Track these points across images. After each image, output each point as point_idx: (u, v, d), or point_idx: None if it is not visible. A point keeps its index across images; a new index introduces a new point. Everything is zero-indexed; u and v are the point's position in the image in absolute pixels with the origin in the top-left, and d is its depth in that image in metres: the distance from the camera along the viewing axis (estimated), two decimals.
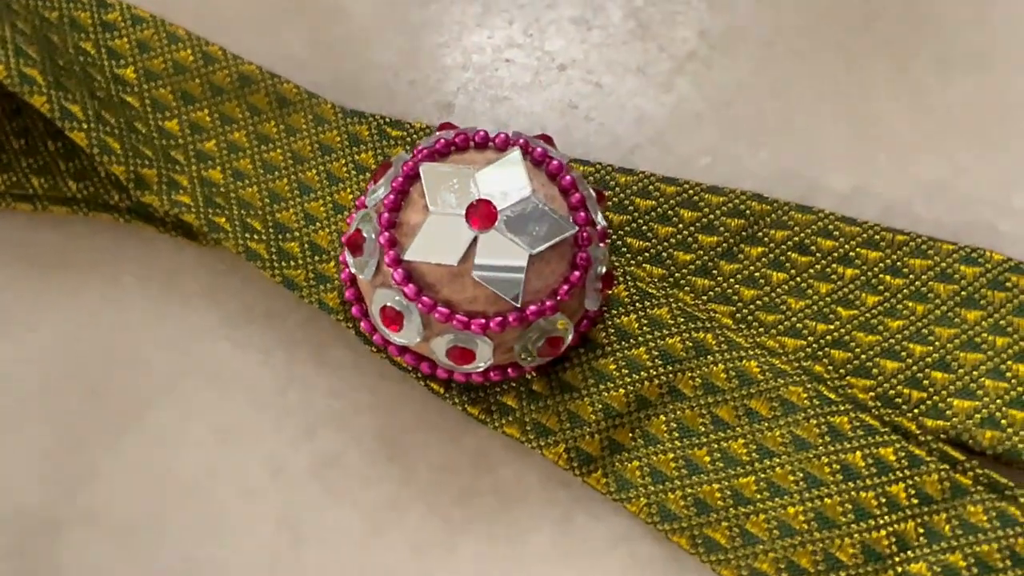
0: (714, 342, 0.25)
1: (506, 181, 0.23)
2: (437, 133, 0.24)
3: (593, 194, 0.24)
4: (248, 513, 0.25)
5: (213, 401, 0.26)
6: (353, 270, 0.24)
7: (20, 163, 0.28)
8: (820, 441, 0.24)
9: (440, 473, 0.25)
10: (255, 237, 0.26)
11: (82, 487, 0.25)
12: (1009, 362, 0.25)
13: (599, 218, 0.24)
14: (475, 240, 0.23)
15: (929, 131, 0.29)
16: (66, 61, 0.27)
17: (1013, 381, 0.25)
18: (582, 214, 0.23)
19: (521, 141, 0.24)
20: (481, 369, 0.24)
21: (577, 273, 0.23)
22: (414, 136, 0.28)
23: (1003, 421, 0.24)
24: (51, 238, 0.28)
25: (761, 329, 0.26)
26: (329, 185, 0.27)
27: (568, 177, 0.24)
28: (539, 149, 0.24)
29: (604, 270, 0.24)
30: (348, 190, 0.27)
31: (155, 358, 0.27)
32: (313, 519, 0.25)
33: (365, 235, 0.23)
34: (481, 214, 0.23)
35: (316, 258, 0.26)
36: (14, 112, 0.28)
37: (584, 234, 0.23)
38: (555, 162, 0.24)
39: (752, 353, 0.25)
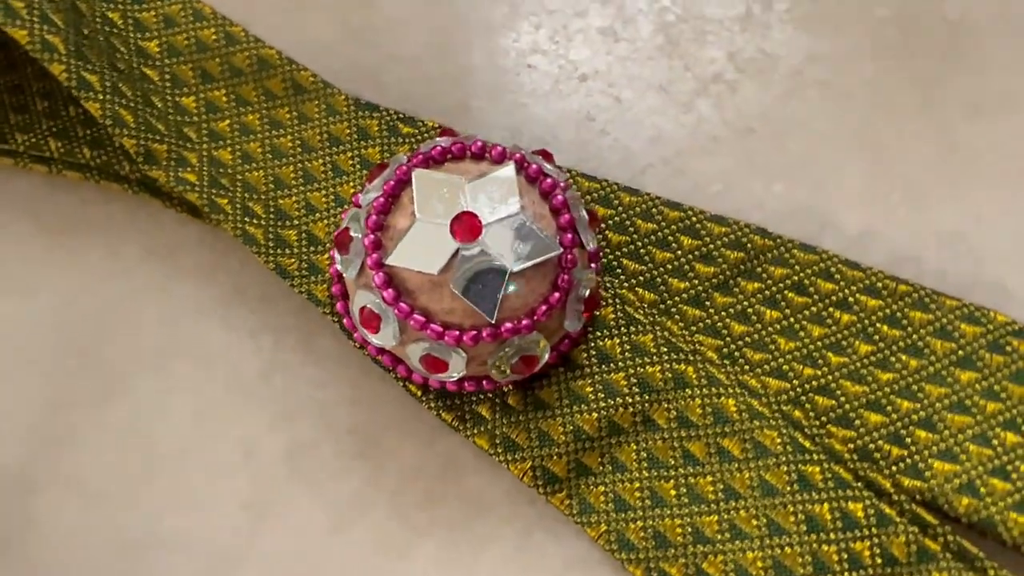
0: (694, 376, 0.24)
1: (496, 195, 0.23)
2: (436, 139, 0.24)
3: (585, 216, 0.24)
4: (217, 492, 0.25)
5: (198, 378, 0.27)
6: (339, 267, 0.24)
7: (41, 124, 0.28)
8: (788, 489, 0.23)
9: (409, 475, 0.25)
10: (254, 222, 0.27)
11: (62, 450, 0.26)
12: (997, 429, 0.24)
13: (589, 240, 0.24)
14: (457, 252, 0.23)
15: (950, 176, 0.28)
16: (91, 30, 0.27)
17: (999, 449, 0.24)
18: (569, 235, 0.23)
19: (517, 156, 0.24)
20: (454, 379, 0.24)
21: (557, 295, 0.23)
22: (425, 135, 0.28)
23: (982, 489, 0.24)
24: (63, 201, 0.29)
25: (746, 367, 0.25)
26: (333, 177, 0.27)
27: (560, 197, 0.23)
28: (534, 166, 0.24)
29: (588, 292, 0.24)
30: (351, 184, 0.27)
31: (147, 330, 0.27)
32: (279, 506, 0.25)
33: (353, 234, 0.23)
34: (465, 226, 0.23)
35: (311, 248, 0.26)
36: (40, 74, 0.29)
37: (569, 256, 0.23)
38: (548, 180, 0.23)
39: (731, 391, 0.24)
